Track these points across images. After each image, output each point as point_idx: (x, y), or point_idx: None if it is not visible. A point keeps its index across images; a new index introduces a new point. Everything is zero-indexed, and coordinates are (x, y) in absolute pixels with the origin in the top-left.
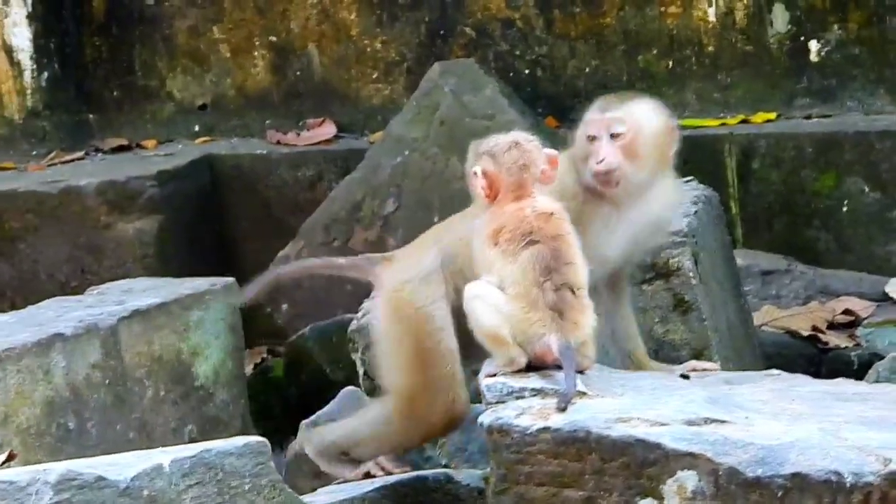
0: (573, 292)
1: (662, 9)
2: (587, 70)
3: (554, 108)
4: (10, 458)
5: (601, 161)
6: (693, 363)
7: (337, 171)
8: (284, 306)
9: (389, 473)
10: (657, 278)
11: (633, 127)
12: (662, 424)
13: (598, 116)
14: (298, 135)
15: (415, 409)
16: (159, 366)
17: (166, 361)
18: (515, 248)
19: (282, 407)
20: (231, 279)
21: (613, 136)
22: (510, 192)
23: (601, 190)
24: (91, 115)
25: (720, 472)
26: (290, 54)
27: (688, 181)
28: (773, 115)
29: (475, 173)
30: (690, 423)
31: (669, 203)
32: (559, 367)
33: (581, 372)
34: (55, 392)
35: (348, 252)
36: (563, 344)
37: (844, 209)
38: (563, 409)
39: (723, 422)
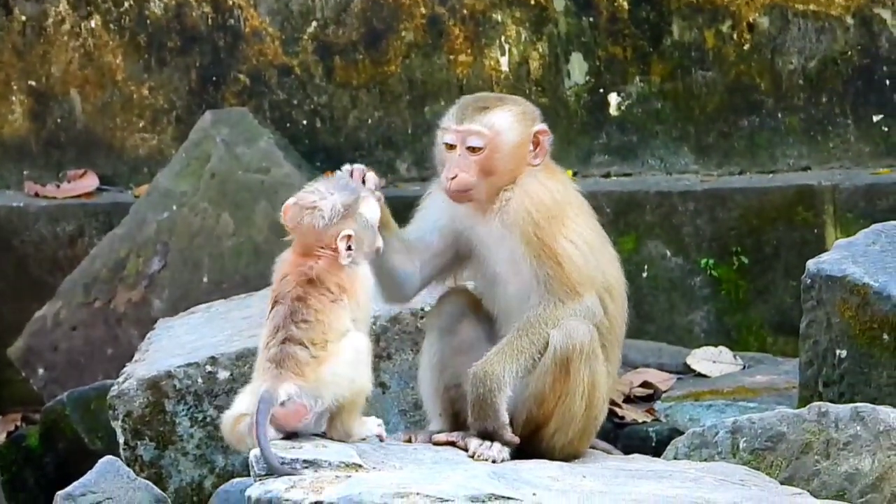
0: (304, 346)
1: (451, 57)
2: (370, 121)
3: (333, 161)
4: None
5: (453, 178)
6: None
7: (99, 226)
8: (40, 370)
9: None
10: None
11: (490, 143)
12: (444, 500)
13: (456, 126)
14: (58, 187)
15: None
16: None
17: None
18: (268, 312)
19: (36, 478)
20: None
21: (470, 150)
22: (297, 246)
23: (452, 200)
24: None
25: None
26: (51, 100)
27: None
28: (569, 173)
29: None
30: (474, 499)
31: (530, 203)
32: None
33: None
34: None
35: (110, 314)
36: (265, 392)
37: (644, 275)
38: (273, 473)
39: (508, 498)
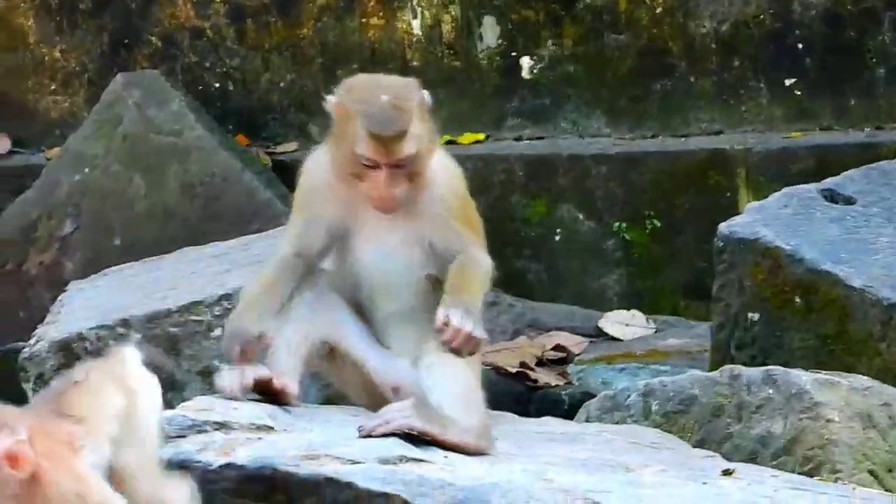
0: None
1: (363, 20)
2: (282, 84)
3: (245, 124)
4: None
5: (389, 202)
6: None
7: (10, 189)
8: None
9: None
10: None
11: (415, 152)
12: (355, 462)
13: (382, 157)
14: None
15: None
16: None
17: None
18: None
19: None
20: None
21: (396, 167)
22: None
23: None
24: None
25: None
26: None
27: None
28: (481, 136)
29: None
30: (385, 461)
31: (446, 181)
32: None
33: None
34: None
35: (21, 277)
36: None
37: (557, 238)
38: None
39: (420, 461)
